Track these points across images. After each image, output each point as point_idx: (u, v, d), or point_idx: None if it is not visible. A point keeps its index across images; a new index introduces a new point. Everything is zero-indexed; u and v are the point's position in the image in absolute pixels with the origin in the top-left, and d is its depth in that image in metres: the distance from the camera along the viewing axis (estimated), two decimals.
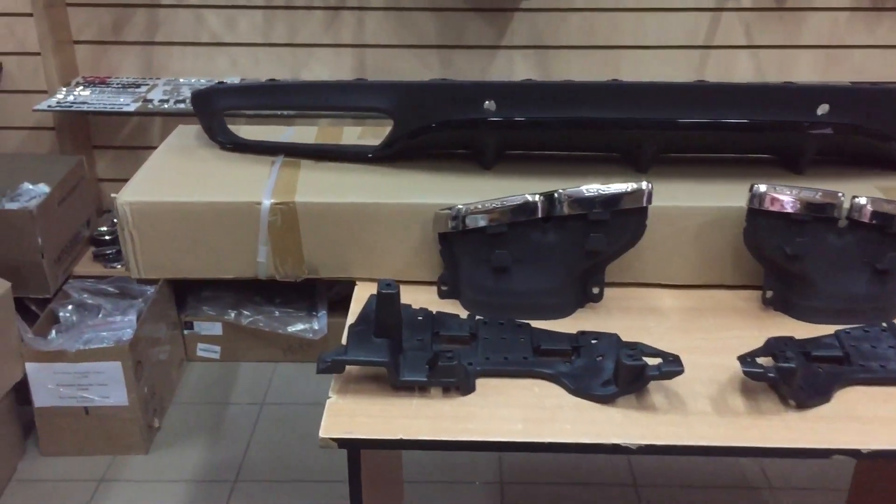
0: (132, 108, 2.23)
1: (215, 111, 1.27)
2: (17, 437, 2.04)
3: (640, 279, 1.19)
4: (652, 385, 0.97)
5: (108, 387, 1.96)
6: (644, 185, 1.05)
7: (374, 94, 1.20)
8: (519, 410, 0.95)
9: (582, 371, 0.98)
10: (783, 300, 1.12)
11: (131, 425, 2.02)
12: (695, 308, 1.15)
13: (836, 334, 1.05)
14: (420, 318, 1.06)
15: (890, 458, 0.89)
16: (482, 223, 1.07)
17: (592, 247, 1.07)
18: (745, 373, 0.92)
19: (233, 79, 2.41)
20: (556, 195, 1.06)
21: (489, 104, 1.17)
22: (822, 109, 1.16)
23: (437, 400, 0.97)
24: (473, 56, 2.37)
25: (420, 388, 0.98)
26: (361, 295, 1.17)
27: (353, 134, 1.38)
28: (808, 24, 2.32)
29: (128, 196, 1.16)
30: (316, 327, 2.33)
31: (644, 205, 1.06)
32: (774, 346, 0.98)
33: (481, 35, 2.34)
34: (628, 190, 1.05)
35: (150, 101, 2.26)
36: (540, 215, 1.07)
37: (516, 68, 2.38)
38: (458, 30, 2.33)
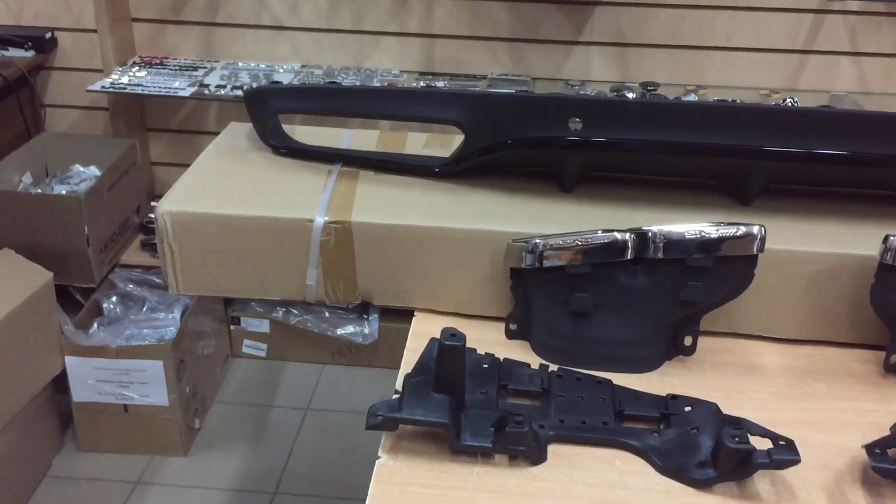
0: (188, 92, 2.13)
1: (269, 113, 1.14)
2: (56, 430, 1.97)
3: (737, 329, 1.04)
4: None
5: (149, 385, 1.87)
6: (756, 228, 0.90)
7: (444, 104, 1.06)
8: (597, 490, 0.82)
9: (673, 446, 0.84)
10: None
11: (171, 426, 1.93)
12: (802, 369, 1.00)
13: None
14: (485, 365, 0.93)
15: None
16: (562, 262, 0.93)
17: (689, 297, 0.93)
18: (875, 469, 0.77)
19: (293, 65, 2.29)
20: (650, 234, 0.92)
21: (574, 122, 1.02)
22: None
23: (501, 469, 0.84)
24: (547, 51, 2.21)
25: (483, 454, 0.85)
26: (420, 329, 1.04)
27: (417, 142, 1.25)
28: None
29: (169, 205, 1.04)
30: (366, 331, 2.22)
31: (755, 252, 0.91)
32: None
33: (558, 29, 2.18)
34: (737, 234, 0.90)
35: (207, 86, 2.16)
36: (629, 256, 0.93)
37: (593, 66, 2.22)
38: (533, 22, 2.18)
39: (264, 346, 2.32)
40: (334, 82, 1.91)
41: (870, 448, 0.79)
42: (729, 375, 0.98)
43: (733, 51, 2.17)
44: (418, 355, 0.97)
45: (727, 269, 0.92)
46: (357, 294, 1.07)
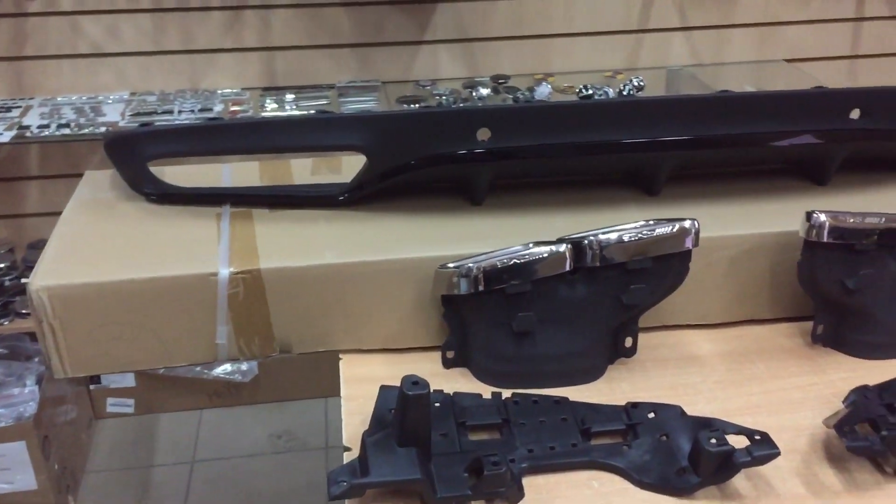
0: (7, 137, 1.90)
1: (140, 160, 1.02)
2: None
3: (668, 321, 1.03)
4: None
5: (12, 471, 1.66)
6: (688, 223, 0.89)
7: (342, 129, 0.99)
8: None
9: (649, 457, 0.82)
10: (835, 336, 0.99)
11: None
12: (737, 352, 1.00)
13: None
14: (437, 404, 0.86)
15: None
16: (500, 284, 0.89)
17: (632, 300, 0.90)
18: (851, 448, 0.78)
19: (121, 94, 2.11)
20: (586, 242, 0.89)
21: (483, 133, 0.98)
22: (854, 114, 1.04)
23: None
24: (394, 53, 2.16)
25: (457, 501, 0.79)
26: (351, 373, 0.96)
27: (303, 169, 1.16)
28: (740, 3, 2.23)
29: (43, 279, 0.90)
30: (244, 367, 2.08)
31: (690, 246, 0.90)
32: (862, 405, 0.84)
33: (402, 30, 2.13)
34: (674, 231, 0.88)
35: (27, 127, 1.94)
36: (568, 268, 0.89)
37: (442, 64, 2.18)
38: (376, 25, 2.12)
39: (131, 401, 2.13)
40: (215, 118, 1.77)
41: (838, 428, 0.79)
42: (671, 370, 0.97)
43: (574, 36, 2.21)
44: (358, 404, 0.90)
45: (665, 266, 0.91)
46: (275, 346, 0.97)
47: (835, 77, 2.33)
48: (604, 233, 0.89)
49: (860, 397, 0.86)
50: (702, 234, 0.98)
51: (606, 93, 2.00)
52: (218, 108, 1.99)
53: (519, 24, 2.16)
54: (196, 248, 0.96)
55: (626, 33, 2.22)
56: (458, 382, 0.95)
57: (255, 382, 2.08)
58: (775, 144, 1.03)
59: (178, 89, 2.12)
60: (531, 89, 2.04)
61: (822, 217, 0.91)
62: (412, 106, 2.00)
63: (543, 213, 1.05)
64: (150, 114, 1.97)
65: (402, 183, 1.03)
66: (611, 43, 2.22)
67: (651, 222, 0.90)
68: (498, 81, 2.14)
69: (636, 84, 2.05)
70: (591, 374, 0.94)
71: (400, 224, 1.02)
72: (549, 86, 2.04)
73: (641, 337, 1.01)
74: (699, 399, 0.92)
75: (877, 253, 0.93)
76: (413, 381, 0.74)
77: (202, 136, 0.99)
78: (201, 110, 1.96)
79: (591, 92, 1.99)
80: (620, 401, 0.90)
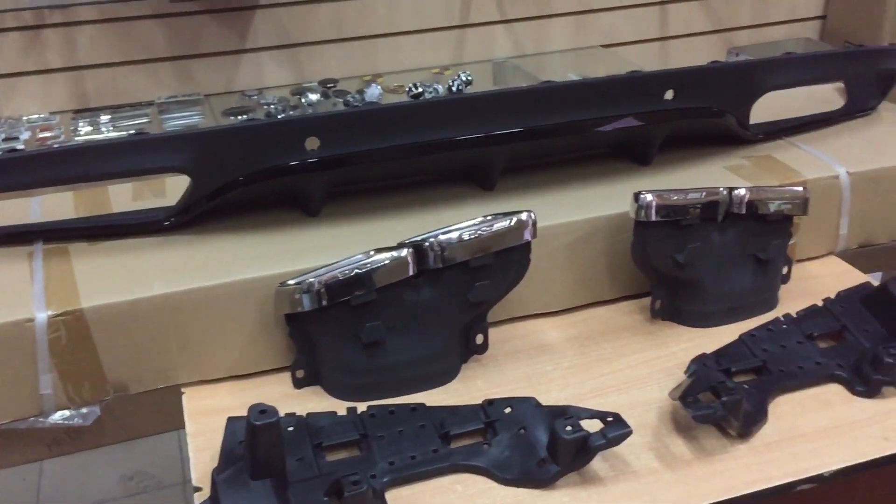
0: None
1: None
2: None
3: (516, 313, 1.04)
4: None
5: None
6: (525, 216, 0.90)
7: (159, 150, 0.93)
8: None
9: (509, 453, 0.81)
10: (672, 309, 1.03)
11: None
12: (583, 336, 1.02)
13: (743, 340, 0.97)
14: (291, 428, 0.83)
15: (852, 474, 0.82)
16: (344, 296, 0.86)
17: (478, 297, 0.90)
18: (696, 418, 0.81)
19: None
20: (427, 244, 0.88)
21: (312, 142, 0.95)
22: (669, 95, 1.08)
23: None
24: (215, 64, 2.08)
25: None
26: (195, 407, 0.91)
27: (123, 195, 1.09)
28: None
29: None
30: (84, 410, 1.94)
31: (529, 238, 0.91)
32: (703, 374, 0.88)
33: (220, 40, 2.05)
34: (512, 225, 0.89)
35: None
36: (412, 272, 0.88)
37: (267, 72, 2.12)
38: (192, 37, 2.03)
39: None
40: (14, 150, 1.62)
41: (683, 399, 0.82)
42: (524, 361, 0.98)
43: (399, 35, 2.20)
44: (206, 439, 0.85)
45: (507, 260, 0.91)
46: (108, 388, 0.91)
47: (649, 59, 2.45)
48: (444, 233, 0.88)
49: (700, 366, 0.90)
50: (539, 224, 0.99)
51: (436, 90, 2.00)
52: (25, 135, 1.84)
53: (342, 27, 2.13)
54: (6, 294, 0.88)
55: (449, 29, 2.24)
56: (312, 402, 0.91)
57: (98, 424, 1.94)
58: (600, 130, 1.06)
59: None
60: (361, 91, 2.02)
61: (649, 197, 0.94)
62: (240, 117, 1.93)
63: (383, 218, 1.03)
64: None
65: (233, 200, 0.98)
66: (435, 40, 2.23)
67: (489, 218, 0.90)
68: (327, 86, 2.10)
69: (464, 79, 2.07)
70: (446, 375, 0.93)
71: (234, 244, 0.97)
72: (379, 87, 2.02)
73: (492, 332, 1.01)
74: (553, 387, 0.93)
75: (701, 226, 0.97)
76: (260, 410, 0.71)
77: (2, 170, 0.90)
78: (6, 139, 1.81)
79: (420, 90, 1.99)
80: (477, 399, 0.90)
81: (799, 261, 1.15)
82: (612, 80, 1.08)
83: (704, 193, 0.96)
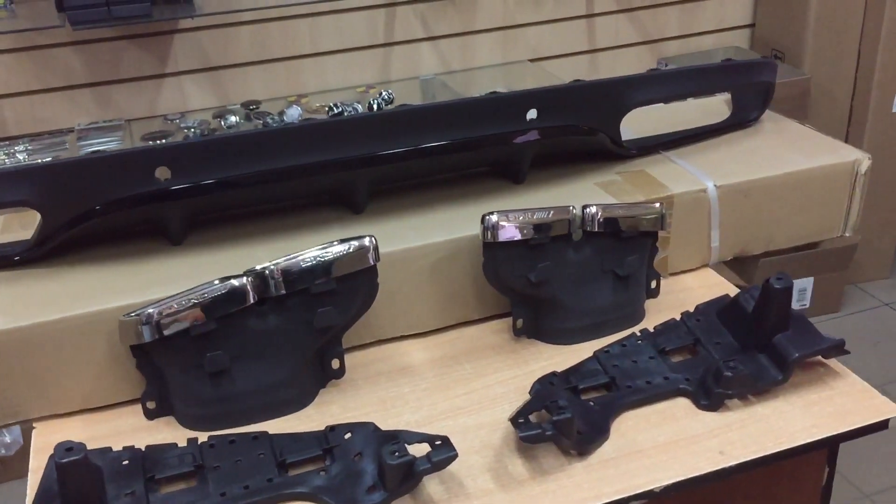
0: None
1: None
2: None
3: (383, 335, 1.05)
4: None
5: None
6: (367, 240, 0.90)
7: (3, 186, 0.93)
8: None
9: (341, 479, 0.82)
10: (534, 327, 1.04)
11: None
12: (448, 356, 1.03)
13: (597, 356, 0.98)
14: (126, 462, 0.83)
15: (680, 490, 0.83)
16: (184, 325, 0.86)
17: (323, 323, 0.90)
18: (523, 438, 0.81)
19: None
20: (267, 272, 0.88)
21: (161, 172, 0.95)
22: (531, 114, 1.09)
23: None
24: (136, 90, 2.08)
25: None
26: (44, 443, 0.91)
27: None
28: (480, 9, 2.31)
29: None
30: (8, 440, 1.94)
31: (372, 262, 0.91)
32: (543, 394, 0.89)
33: (141, 64, 2.06)
34: (350, 251, 0.89)
35: None
36: (253, 300, 0.88)
37: (189, 96, 2.13)
38: (112, 62, 2.03)
39: None
40: None
41: (514, 420, 0.83)
42: (383, 385, 0.98)
43: (323, 55, 2.21)
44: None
45: (352, 285, 0.91)
46: None
47: (577, 72, 2.46)
48: (285, 260, 0.89)
49: (545, 385, 0.91)
50: (401, 246, 1.01)
51: (356, 109, 2.01)
52: None
53: (265, 48, 2.14)
54: None
55: (374, 48, 2.24)
56: (164, 433, 0.91)
57: (22, 452, 1.94)
58: (462, 152, 1.06)
59: None
60: (282, 113, 2.03)
61: (494, 218, 0.94)
62: (159, 141, 1.93)
63: (248, 244, 1.03)
64: None
65: (93, 231, 0.98)
66: (360, 58, 2.24)
67: (332, 243, 0.90)
68: (249, 108, 2.11)
69: (385, 97, 2.08)
70: (298, 402, 0.94)
71: (92, 275, 0.97)
72: (299, 108, 2.03)
73: (356, 355, 1.02)
74: (407, 409, 0.94)
75: (553, 245, 0.98)
76: (66, 448, 0.71)
77: None
78: None
79: (340, 110, 2.00)
80: (330, 424, 0.90)
81: (673, 273, 1.17)
82: (472, 102, 1.09)
83: (552, 213, 0.97)
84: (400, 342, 1.05)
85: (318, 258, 0.88)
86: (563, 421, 0.82)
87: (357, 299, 0.92)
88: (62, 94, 2.02)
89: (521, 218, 0.95)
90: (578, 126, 1.11)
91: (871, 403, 0.91)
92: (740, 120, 1.30)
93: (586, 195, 1.12)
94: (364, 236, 0.91)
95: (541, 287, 0.99)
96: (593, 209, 0.99)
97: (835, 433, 0.88)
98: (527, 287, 0.99)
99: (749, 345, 0.95)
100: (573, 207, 0.99)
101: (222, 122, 2.00)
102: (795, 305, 2.51)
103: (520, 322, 1.03)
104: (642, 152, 1.21)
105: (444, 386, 0.98)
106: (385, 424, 0.90)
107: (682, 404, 0.93)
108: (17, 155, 1.87)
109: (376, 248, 0.91)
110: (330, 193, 1.10)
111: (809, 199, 1.19)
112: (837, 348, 0.93)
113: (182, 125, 2.02)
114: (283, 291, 0.89)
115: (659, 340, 0.99)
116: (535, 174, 1.18)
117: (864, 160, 1.19)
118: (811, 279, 2.47)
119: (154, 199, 0.96)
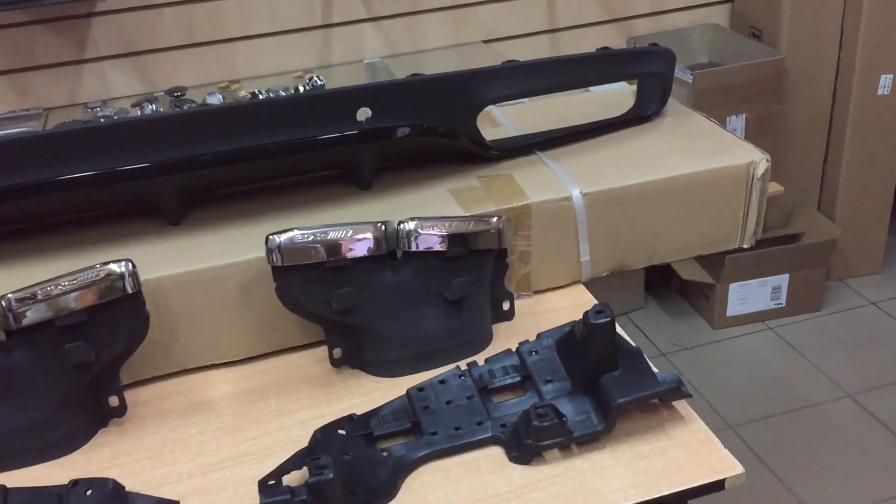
0: None
1: None
2: None
3: (186, 365, 0.94)
4: None
5: None
6: (118, 266, 0.79)
7: None
8: None
9: None
10: (357, 356, 0.92)
11: None
12: (255, 389, 0.91)
13: (409, 394, 0.85)
14: None
15: None
16: None
17: (74, 360, 0.79)
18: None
19: None
20: (3, 303, 0.77)
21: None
22: (363, 115, 0.96)
23: None
24: (53, 76, 1.98)
25: None
26: None
27: None
28: None
29: None
30: None
31: (130, 291, 0.80)
32: (319, 445, 0.77)
33: (57, 50, 1.96)
34: (97, 278, 0.78)
35: None
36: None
37: (112, 82, 2.02)
38: (26, 47, 1.93)
39: None
40: None
41: (263, 481, 0.71)
42: (171, 424, 0.87)
43: (255, 38, 2.09)
44: None
45: (110, 317, 0.80)
46: None
47: (537, 53, 2.31)
48: (22, 290, 0.78)
49: (327, 435, 0.79)
50: (203, 266, 0.89)
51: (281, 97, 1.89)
52: None
53: (192, 31, 2.02)
54: None
55: (311, 30, 2.11)
56: None
57: None
58: (280, 158, 0.94)
59: None
60: (204, 101, 1.91)
61: (278, 239, 0.82)
62: None
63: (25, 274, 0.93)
64: None
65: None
66: (297, 41, 2.12)
67: (85, 269, 0.79)
68: (174, 94, 2.00)
69: (315, 83, 1.95)
70: (64, 445, 0.83)
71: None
72: (220, 96, 1.92)
73: (153, 387, 0.92)
74: (184, 456, 0.83)
75: (360, 267, 0.86)
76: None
77: None
78: None
79: (262, 97, 1.88)
80: (96, 472, 0.80)
81: (539, 291, 1.04)
82: (289, 101, 0.96)
83: (350, 231, 0.84)
84: (208, 371, 0.94)
85: (60, 288, 0.77)
86: (319, 484, 0.70)
87: (120, 332, 0.81)
88: None
89: (312, 238, 0.83)
90: (420, 125, 0.98)
91: (709, 458, 0.78)
92: (636, 115, 1.16)
93: (436, 204, 0.99)
94: (109, 262, 0.79)
95: (349, 315, 0.87)
96: (410, 225, 0.87)
97: (656, 495, 0.74)
98: (332, 314, 0.87)
99: (579, 385, 0.82)
100: (381, 225, 0.86)
101: (139, 111, 1.90)
102: (770, 304, 2.38)
103: (337, 351, 0.91)
104: (512, 153, 1.08)
105: (238, 427, 0.86)
106: (154, 474, 0.80)
107: (494, 455, 0.80)
108: None
109: (133, 275, 0.79)
110: (130, 202, 0.98)
111: (695, 207, 1.04)
112: (672, 391, 0.79)
113: (100, 114, 1.92)
114: (23, 324, 0.78)
115: (484, 376, 0.86)
116: (387, 178, 1.05)
117: (760, 162, 1.04)
118: (786, 276, 2.30)
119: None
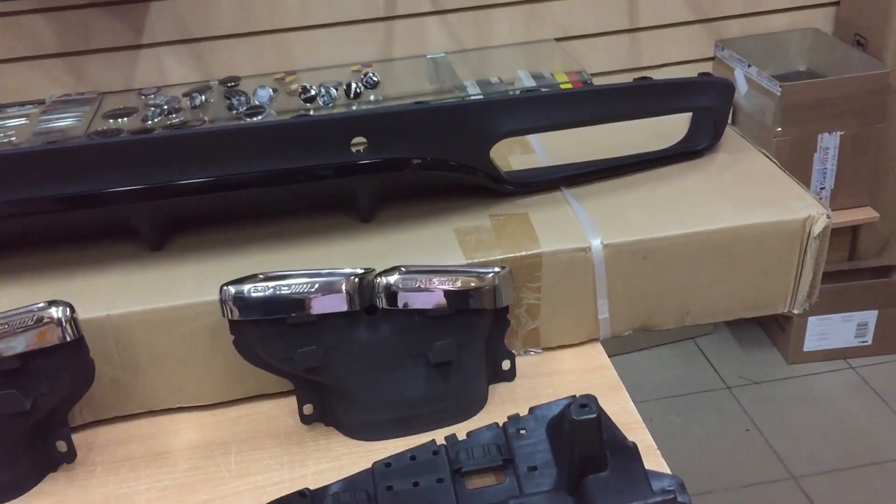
0: None
1: None
2: None
3: (153, 406, 0.87)
4: None
5: None
6: (54, 311, 0.72)
7: None
8: None
9: None
10: (331, 413, 0.83)
11: None
12: (219, 442, 0.83)
13: (373, 468, 0.76)
14: None
15: None
16: None
17: (8, 409, 0.73)
18: None
19: None
20: None
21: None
22: (359, 144, 0.86)
23: None
24: (110, 61, 1.96)
25: None
26: None
27: None
28: None
29: None
30: None
31: (67, 338, 0.72)
32: None
33: (114, 35, 1.93)
34: (30, 323, 0.71)
35: None
36: None
37: (168, 69, 1.99)
38: (83, 31, 1.91)
39: None
40: None
41: None
42: (120, 475, 0.80)
43: (315, 28, 2.01)
44: None
45: (48, 363, 0.73)
46: None
47: (615, 54, 2.15)
48: None
49: None
50: (174, 302, 0.82)
51: (329, 93, 1.81)
52: None
53: (249, 20, 1.96)
54: None
55: (373, 21, 2.03)
56: None
57: None
58: (265, 188, 0.86)
59: None
60: (254, 93, 1.85)
61: (232, 290, 0.74)
62: (120, 120, 1.81)
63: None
64: None
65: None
66: (358, 33, 2.03)
67: (20, 310, 0.72)
68: (227, 84, 1.95)
69: (369, 80, 1.86)
70: (8, 491, 0.77)
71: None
72: (270, 89, 1.85)
73: (117, 428, 0.86)
74: None
75: (329, 323, 0.76)
76: None
77: None
78: None
79: (313, 93, 1.81)
80: None
81: (549, 349, 0.92)
82: (280, 126, 0.87)
83: (316, 285, 0.74)
84: (174, 415, 0.87)
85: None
86: None
87: (60, 379, 0.74)
88: (33, 64, 1.92)
89: (270, 293, 0.74)
90: (424, 158, 0.87)
91: None
92: (685, 149, 1.02)
93: (437, 245, 0.89)
94: (57, 304, 0.72)
95: (317, 373, 0.78)
96: (389, 279, 0.77)
97: None
98: (297, 371, 0.78)
99: (564, 481, 0.71)
100: (354, 278, 0.76)
101: (190, 101, 1.85)
102: (854, 342, 2.17)
103: (308, 408, 0.82)
104: (533, 188, 0.96)
105: (189, 486, 0.79)
106: None
107: None
108: None
109: (72, 321, 0.72)
110: (108, 226, 0.91)
111: (737, 266, 0.91)
112: (669, 502, 0.67)
113: (151, 102, 1.89)
114: None
115: (461, 455, 0.76)
116: (393, 209, 0.96)
117: (819, 218, 0.89)
118: (875, 312, 2.09)
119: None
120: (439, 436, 0.79)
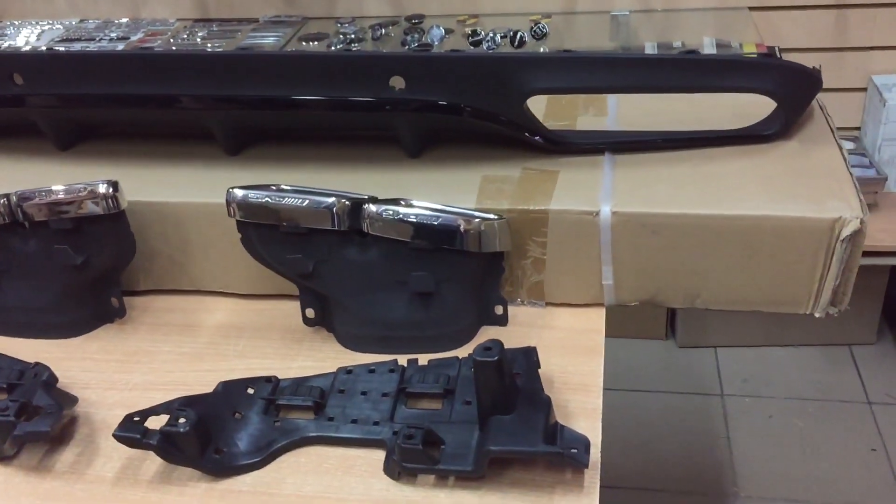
0: None
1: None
2: None
3: (199, 286, 1.01)
4: (76, 437, 0.82)
5: None
6: (101, 187, 0.86)
7: None
8: None
9: None
10: (329, 320, 0.92)
11: None
12: (238, 326, 0.96)
13: (337, 373, 0.85)
14: None
15: None
16: None
17: (61, 261, 0.90)
18: (115, 436, 0.75)
19: (71, 21, 2.26)
20: (9, 200, 0.89)
21: (16, 78, 0.99)
22: (398, 83, 0.93)
23: None
24: None
25: None
26: None
27: None
28: None
29: None
30: None
31: (107, 211, 0.87)
32: (210, 397, 0.80)
33: None
34: (82, 193, 0.86)
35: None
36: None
37: (367, 2, 2.13)
38: None
39: None
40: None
41: (129, 416, 0.76)
42: (157, 336, 0.95)
43: None
44: None
45: (94, 231, 0.89)
46: None
47: (817, 30, 1.99)
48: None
49: (229, 389, 0.82)
50: (215, 200, 0.95)
51: (494, 39, 1.86)
52: (135, 37, 2.09)
53: None
54: None
55: None
56: None
57: None
58: (315, 111, 0.95)
59: (111, 18, 2.23)
60: (429, 30, 1.95)
61: (240, 194, 0.84)
62: (311, 44, 1.98)
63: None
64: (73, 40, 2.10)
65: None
66: None
67: (77, 185, 0.88)
68: (412, 21, 2.05)
69: (538, 30, 1.88)
70: (67, 330, 0.95)
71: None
72: (443, 29, 1.93)
73: (167, 299, 1.01)
74: (143, 368, 0.91)
75: (321, 237, 0.85)
76: None
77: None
78: (120, 39, 2.07)
79: (480, 37, 1.86)
80: (79, 359, 0.92)
81: (553, 304, 0.95)
82: (325, 57, 0.96)
83: (306, 201, 0.83)
84: (216, 297, 1.01)
85: (51, 197, 0.87)
86: (170, 433, 0.74)
87: (105, 245, 0.90)
88: None
89: (266, 200, 0.83)
90: (457, 104, 0.92)
91: None
92: (752, 132, 0.98)
93: (460, 187, 0.94)
94: (105, 182, 0.87)
95: (309, 280, 0.87)
96: (372, 208, 0.84)
97: None
98: (296, 276, 0.88)
99: (482, 416, 0.76)
100: (346, 201, 0.84)
101: (372, 33, 1.99)
102: None
103: (310, 311, 0.92)
104: (569, 149, 0.98)
105: (199, 356, 0.92)
106: (110, 377, 0.90)
107: (375, 460, 0.77)
108: (197, 38, 2.05)
109: (113, 197, 0.86)
110: (206, 129, 1.05)
111: (755, 257, 0.87)
112: (554, 456, 0.70)
113: (342, 30, 2.05)
114: (26, 220, 0.89)
115: (413, 378, 0.83)
116: (442, 149, 1.02)
117: (850, 221, 0.83)
118: None
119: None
120: (420, 360, 0.86)
